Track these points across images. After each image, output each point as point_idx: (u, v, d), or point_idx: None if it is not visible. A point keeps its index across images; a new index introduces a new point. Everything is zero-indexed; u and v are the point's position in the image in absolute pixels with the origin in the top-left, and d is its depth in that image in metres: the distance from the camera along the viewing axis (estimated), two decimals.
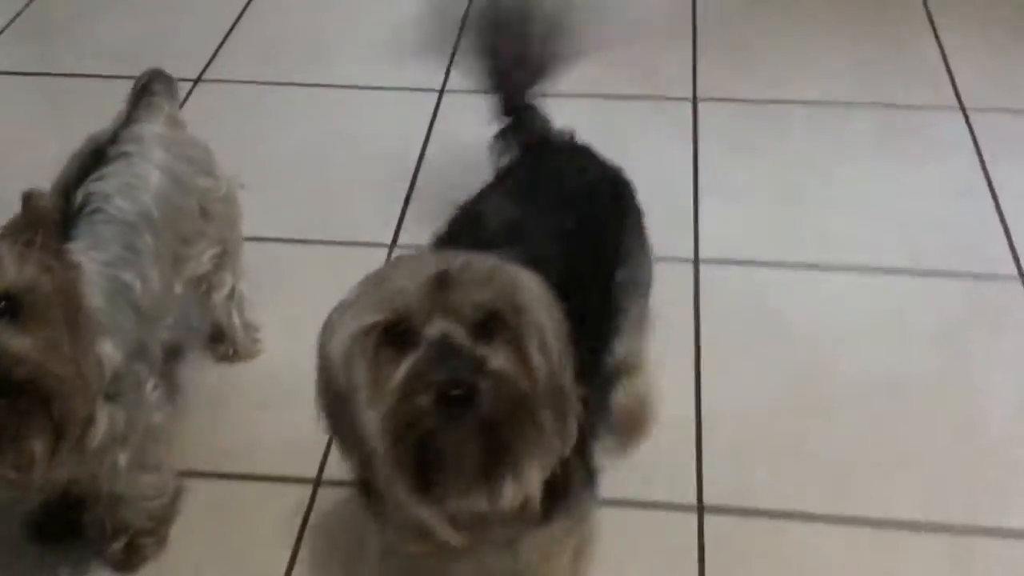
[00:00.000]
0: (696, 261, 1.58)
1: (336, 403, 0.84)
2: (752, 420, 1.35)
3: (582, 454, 0.91)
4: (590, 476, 0.97)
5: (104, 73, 1.98)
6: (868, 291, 1.54)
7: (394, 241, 1.64)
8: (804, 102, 1.92)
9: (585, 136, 1.82)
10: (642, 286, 1.18)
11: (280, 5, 2.22)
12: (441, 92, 1.96)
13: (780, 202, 1.70)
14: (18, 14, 2.20)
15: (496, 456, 0.81)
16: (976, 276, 1.56)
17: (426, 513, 0.86)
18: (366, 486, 0.90)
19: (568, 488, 0.89)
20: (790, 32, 2.11)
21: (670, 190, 1.72)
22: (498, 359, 0.80)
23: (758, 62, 2.03)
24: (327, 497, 1.27)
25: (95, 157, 1.20)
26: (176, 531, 1.23)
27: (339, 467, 1.28)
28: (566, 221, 1.05)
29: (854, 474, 1.28)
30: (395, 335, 0.80)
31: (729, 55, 2.05)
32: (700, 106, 1.91)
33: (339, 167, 1.80)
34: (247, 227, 1.41)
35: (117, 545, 1.18)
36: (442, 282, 0.80)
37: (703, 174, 1.75)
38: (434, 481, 0.82)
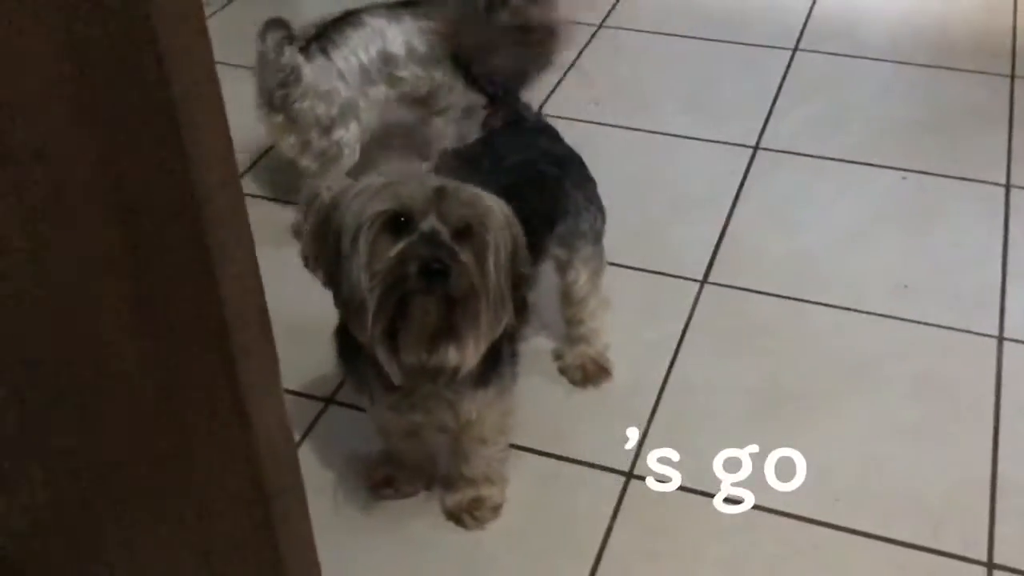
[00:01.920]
0: (1000, 338, 1.65)
1: (332, 262, 1.13)
2: None
3: (510, 343, 1.27)
4: (513, 359, 1.30)
5: None
6: None
7: (704, 279, 1.79)
8: None
9: (892, 209, 1.94)
10: (589, 233, 1.49)
11: (606, 53, 2.44)
12: (756, 148, 2.11)
13: None
14: None
15: (447, 328, 1.12)
16: None
17: (383, 354, 1.14)
18: (344, 343, 1.22)
19: (497, 364, 1.24)
20: None
21: (977, 267, 1.79)
22: (466, 255, 1.10)
23: None
24: (637, 489, 1.43)
25: None
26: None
27: (650, 465, 1.46)
28: (521, 175, 1.37)
29: None
30: (395, 224, 1.10)
31: None
32: (1012, 192, 1.96)
33: (656, 205, 1.97)
34: None
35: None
36: (440, 194, 1.10)
37: (1012, 256, 1.81)
38: (398, 334, 1.12)
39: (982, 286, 1.75)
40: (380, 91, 1.81)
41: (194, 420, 0.80)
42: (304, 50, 1.72)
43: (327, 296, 1.18)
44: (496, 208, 1.15)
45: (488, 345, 1.17)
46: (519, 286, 1.18)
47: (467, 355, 1.15)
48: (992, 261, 1.80)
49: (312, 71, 1.71)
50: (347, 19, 1.80)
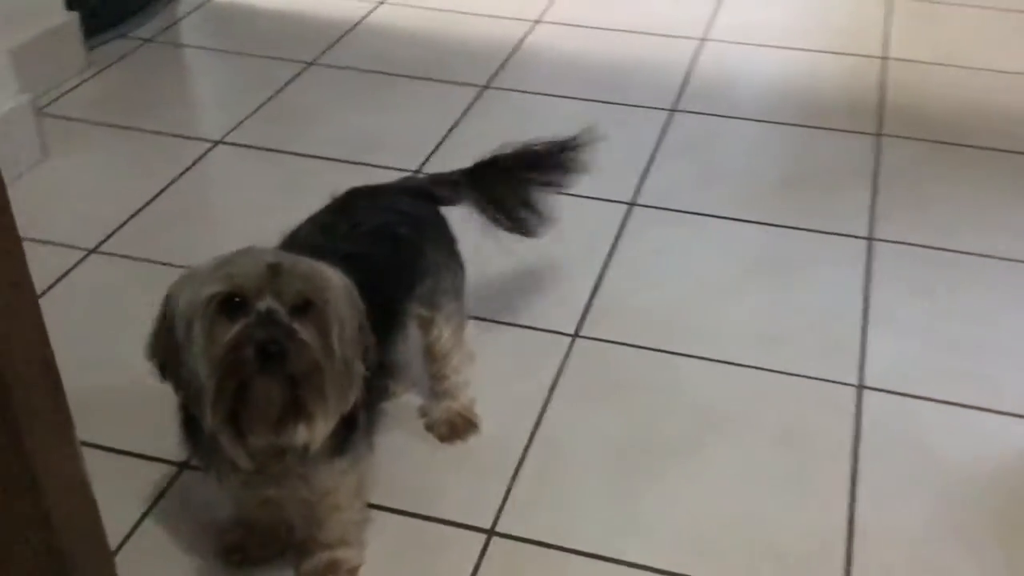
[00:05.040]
0: (860, 387, 1.68)
1: (171, 351, 1.09)
2: (901, 541, 1.43)
3: (367, 410, 1.23)
4: (369, 427, 1.27)
5: (335, 157, 2.26)
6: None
7: (576, 333, 1.80)
8: (973, 254, 2.00)
9: (759, 262, 1.98)
10: (450, 291, 1.49)
11: (492, 113, 2.47)
12: (631, 204, 2.14)
13: (945, 342, 1.78)
14: (269, 99, 2.52)
15: (292, 407, 1.09)
16: None
17: (227, 440, 1.11)
18: (188, 422, 1.18)
19: (351, 433, 1.20)
20: (966, 188, 2.21)
21: (838, 317, 1.84)
22: (306, 333, 1.07)
23: (934, 212, 2.13)
24: (499, 547, 1.42)
25: None
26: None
27: (513, 521, 1.44)
28: (377, 240, 1.37)
29: None
30: (230, 306, 1.06)
31: (906, 202, 2.15)
32: (874, 245, 2.02)
33: (533, 260, 1.98)
34: None
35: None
36: (275, 271, 1.07)
37: (873, 307, 1.86)
38: (242, 418, 1.09)
39: (843, 336, 1.79)
40: None
41: None
42: None
43: None
44: (336, 280, 1.12)
45: (338, 418, 1.14)
46: (366, 355, 1.15)
47: (316, 432, 1.12)
48: (853, 312, 1.85)
49: None
50: None
